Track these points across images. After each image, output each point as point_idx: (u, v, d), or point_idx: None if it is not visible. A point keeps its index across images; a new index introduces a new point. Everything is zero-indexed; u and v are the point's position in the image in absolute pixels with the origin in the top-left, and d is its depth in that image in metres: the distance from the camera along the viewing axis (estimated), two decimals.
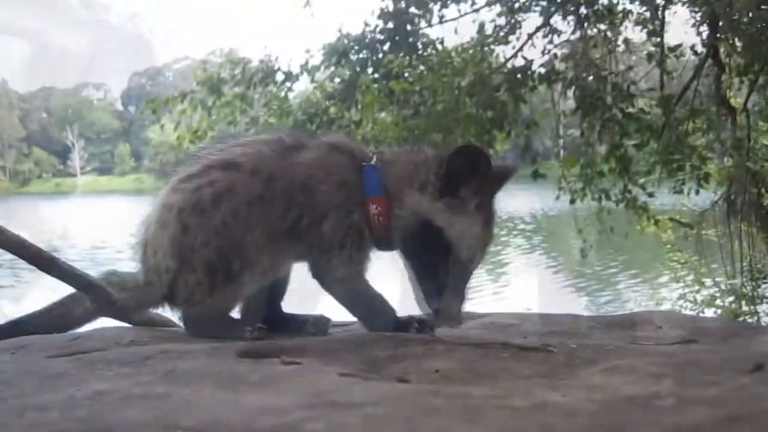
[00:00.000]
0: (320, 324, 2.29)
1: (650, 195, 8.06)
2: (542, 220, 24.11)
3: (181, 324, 2.24)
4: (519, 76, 8.11)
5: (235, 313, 2.25)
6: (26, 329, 2.20)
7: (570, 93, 8.40)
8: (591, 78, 8.12)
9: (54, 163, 78.64)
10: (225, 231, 2.09)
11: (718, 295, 8.47)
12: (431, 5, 9.19)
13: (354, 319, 2.26)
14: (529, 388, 1.45)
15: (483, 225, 2.08)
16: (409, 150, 2.26)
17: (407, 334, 2.07)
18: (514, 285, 13.70)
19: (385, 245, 2.18)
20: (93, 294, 2.28)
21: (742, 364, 1.51)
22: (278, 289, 2.32)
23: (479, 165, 2.05)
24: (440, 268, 2.05)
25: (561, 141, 10.42)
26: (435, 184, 2.07)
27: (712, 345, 1.92)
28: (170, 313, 2.31)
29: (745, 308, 7.94)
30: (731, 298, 8.27)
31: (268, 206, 2.11)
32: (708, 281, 8.82)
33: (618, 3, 8.67)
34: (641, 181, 8.12)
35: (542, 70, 8.28)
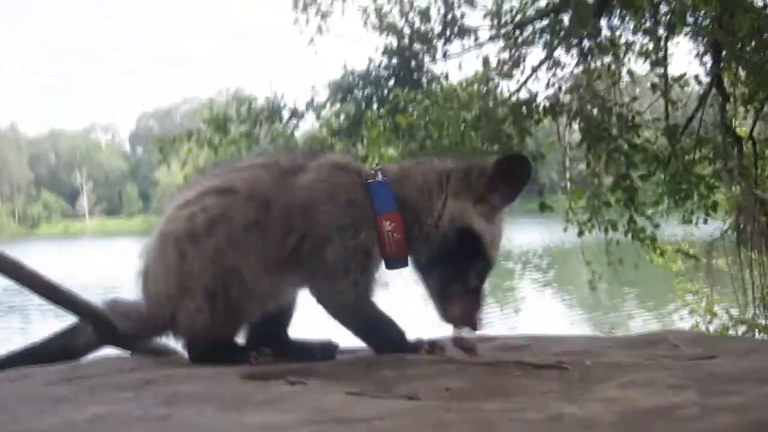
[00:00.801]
0: (328, 350, 2.22)
1: (656, 226, 8.00)
2: (553, 253, 24.08)
3: (185, 352, 2.19)
4: (524, 108, 8.08)
5: (240, 339, 2.21)
6: (29, 360, 2.17)
7: (575, 125, 8.39)
8: (596, 110, 8.10)
9: (62, 205, 79.25)
10: (221, 257, 2.04)
11: (730, 324, 8.33)
12: (435, 41, 9.24)
13: (363, 344, 2.20)
14: (544, 402, 1.39)
15: (501, 232, 2.10)
16: (415, 163, 2.24)
17: (417, 355, 2.01)
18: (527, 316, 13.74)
19: (397, 263, 2.12)
20: (96, 323, 2.25)
21: (765, 374, 1.46)
22: (284, 314, 2.27)
23: (523, 174, 2.05)
24: (465, 275, 2.04)
25: (567, 173, 10.40)
26: (475, 190, 2.05)
27: (732, 360, 1.86)
28: (173, 342, 2.26)
29: (758, 338, 7.79)
30: (743, 328, 8.14)
31: (265, 231, 2.07)
32: (720, 311, 8.69)
33: (620, 35, 8.71)
34: (649, 211, 8.07)
35: (547, 103, 8.26)
